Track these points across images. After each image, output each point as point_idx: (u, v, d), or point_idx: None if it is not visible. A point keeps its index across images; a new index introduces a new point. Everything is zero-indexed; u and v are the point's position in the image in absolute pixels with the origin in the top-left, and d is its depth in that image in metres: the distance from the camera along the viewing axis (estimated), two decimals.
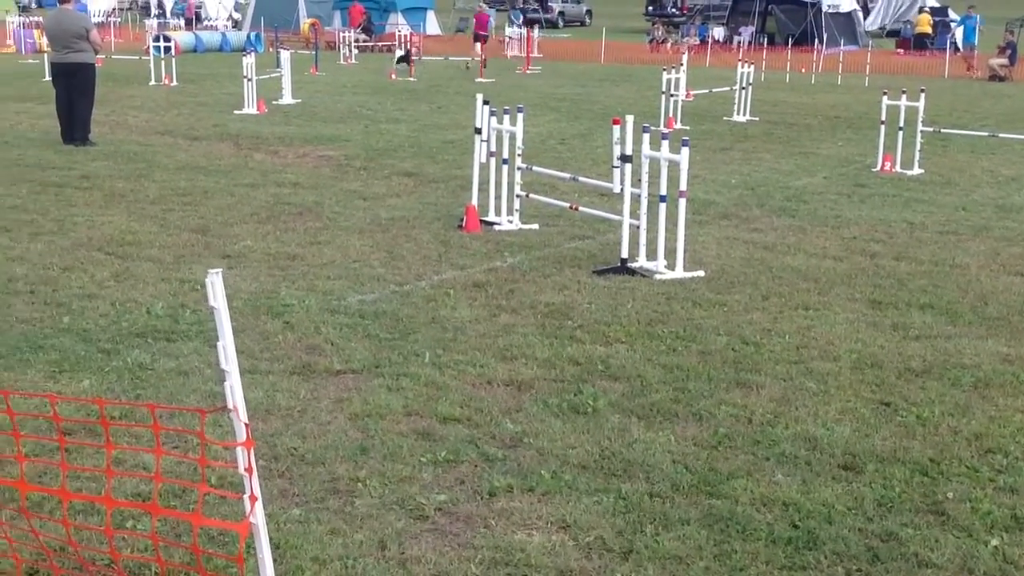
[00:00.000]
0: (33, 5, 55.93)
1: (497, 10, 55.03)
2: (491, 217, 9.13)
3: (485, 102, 9.17)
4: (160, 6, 45.97)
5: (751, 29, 37.92)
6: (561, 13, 55.19)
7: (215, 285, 2.88)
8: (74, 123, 13.00)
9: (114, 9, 47.33)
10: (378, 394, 5.08)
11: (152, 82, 21.65)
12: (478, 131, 9.22)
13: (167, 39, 24.77)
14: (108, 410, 4.65)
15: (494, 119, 9.17)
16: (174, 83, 21.61)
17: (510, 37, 35.33)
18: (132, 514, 3.81)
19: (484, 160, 9.21)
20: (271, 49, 29.71)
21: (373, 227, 8.94)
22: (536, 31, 36.03)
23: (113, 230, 8.42)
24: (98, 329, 5.93)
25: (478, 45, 28.66)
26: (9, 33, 33.84)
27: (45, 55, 21.82)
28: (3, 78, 22.39)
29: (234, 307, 5.77)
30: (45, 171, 11.07)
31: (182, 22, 40.88)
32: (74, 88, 12.95)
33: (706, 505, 4.05)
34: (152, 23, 37.62)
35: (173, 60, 22.29)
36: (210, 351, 5.61)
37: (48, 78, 16.48)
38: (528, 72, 27.82)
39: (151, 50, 23.67)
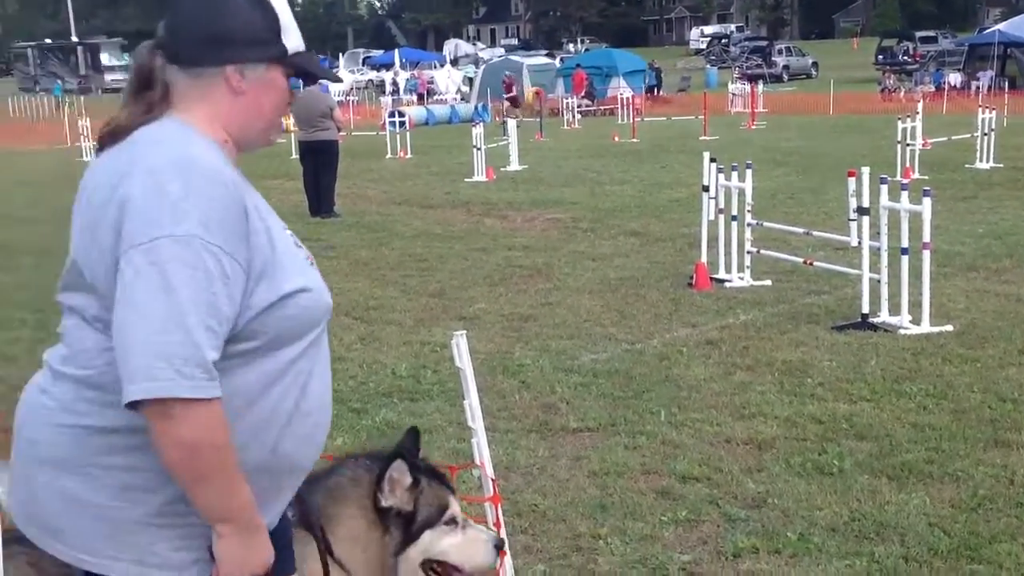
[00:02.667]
0: None
1: (719, 67, 54.90)
2: (721, 274, 9.04)
3: (712, 159, 9.14)
4: (394, 83, 48.38)
5: (990, 73, 36.12)
6: (786, 67, 54.39)
7: (460, 346, 2.99)
8: (320, 197, 13.82)
9: (352, 88, 50.21)
10: (615, 452, 5.10)
11: (388, 155, 22.76)
12: (706, 188, 9.18)
13: (401, 114, 26.06)
14: None
15: (722, 176, 9.12)
16: (408, 155, 22.64)
17: (734, 93, 35.07)
18: None
19: (712, 217, 9.16)
20: (498, 119, 30.68)
21: (602, 287, 9.02)
22: (760, 86, 35.61)
23: (358, 296, 8.86)
24: (348, 390, 6.23)
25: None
26: None
27: (292, 134, 23.39)
28: (256, 157, 24.04)
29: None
30: None
31: (415, 97, 42.85)
32: (320, 164, 13.80)
33: (967, 570, 3.83)
34: (387, 100, 39.67)
35: (407, 134, 23.37)
36: (451, 410, 5.80)
37: (295, 156, 17.63)
38: (753, 127, 27.50)
39: (387, 125, 24.96)
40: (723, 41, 72.52)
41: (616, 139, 25.02)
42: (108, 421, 1.89)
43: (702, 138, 24.08)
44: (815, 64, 56.31)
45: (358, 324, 7.91)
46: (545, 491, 4.65)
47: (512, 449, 5.18)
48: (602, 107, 35.95)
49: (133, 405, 1.78)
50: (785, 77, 53.03)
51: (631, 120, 28.19)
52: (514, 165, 19.12)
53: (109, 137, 1.96)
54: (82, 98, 53.76)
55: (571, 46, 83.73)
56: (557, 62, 50.23)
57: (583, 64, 41.42)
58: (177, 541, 1.90)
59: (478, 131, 17.86)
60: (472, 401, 3.00)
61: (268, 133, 2.10)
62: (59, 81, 62.48)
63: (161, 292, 1.76)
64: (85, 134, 25.89)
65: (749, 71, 49.88)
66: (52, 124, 34.74)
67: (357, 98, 45.07)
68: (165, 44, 1.96)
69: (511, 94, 34.69)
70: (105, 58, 76.66)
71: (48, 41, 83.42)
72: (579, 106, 33.13)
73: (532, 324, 7.77)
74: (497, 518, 2.99)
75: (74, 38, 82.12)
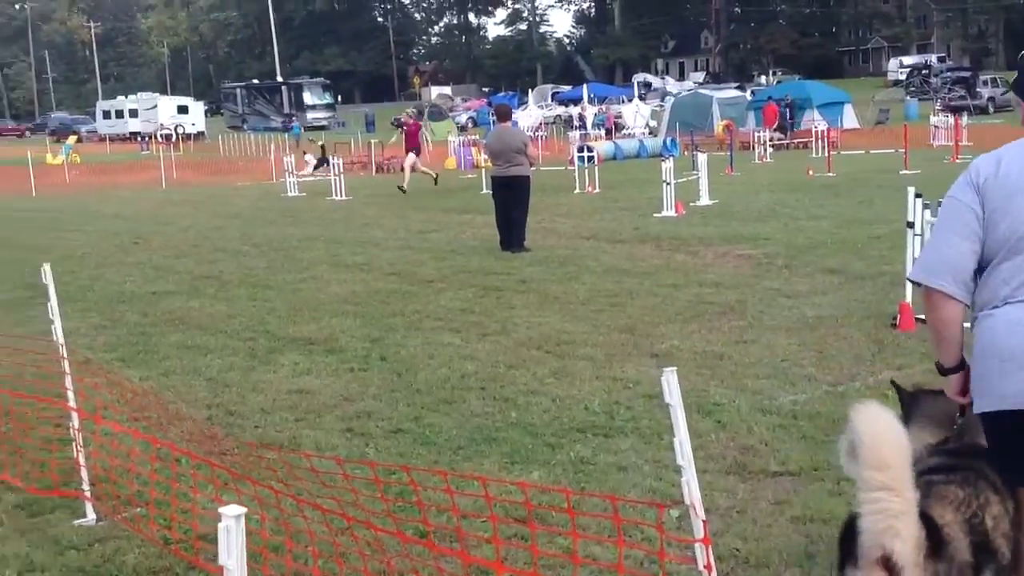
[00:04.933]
0: (470, 125, 61.60)
1: (919, 99, 52.97)
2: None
3: (917, 195, 8.81)
4: (581, 119, 48.82)
5: None
6: (991, 98, 52.02)
7: (670, 383, 2.98)
8: (512, 231, 14.06)
9: (540, 124, 50.98)
10: (819, 498, 4.95)
11: (577, 190, 22.94)
12: (910, 225, 8.85)
13: (590, 149, 26.27)
14: (558, 500, 4.88)
15: (927, 212, 8.77)
16: (597, 190, 22.76)
17: (936, 126, 33.75)
18: None
19: (918, 255, 8.80)
20: (687, 152, 30.49)
21: (800, 325, 8.80)
22: (964, 118, 34.14)
23: (549, 330, 8.94)
24: (542, 424, 6.29)
25: (411, 156, 25.64)
26: (451, 151, 37.43)
27: (483, 169, 23.92)
28: (448, 192, 24.75)
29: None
30: (487, 276, 12.02)
31: (603, 132, 43.10)
32: (512, 199, 14.05)
33: None
34: (575, 135, 40.05)
35: (596, 168, 23.51)
36: (645, 447, 5.77)
37: (486, 191, 18.02)
38: (958, 161, 26.35)
39: (575, 160, 25.22)
40: (923, 72, 69.92)
41: (811, 173, 24.45)
42: None
43: (903, 172, 23.26)
44: None
45: (550, 358, 7.97)
46: (746, 535, 4.56)
47: (710, 490, 5.09)
48: (795, 140, 35.21)
49: None
50: (991, 109, 50.70)
51: (826, 153, 27.49)
52: (704, 200, 18.93)
53: None
54: (286, 136, 56.56)
55: (762, 78, 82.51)
56: (748, 95, 49.60)
57: (775, 96, 40.72)
58: None
59: (667, 165, 17.79)
60: (682, 439, 2.97)
61: None
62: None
63: None
64: (290, 170, 27.26)
65: (952, 103, 47.94)
66: (258, 160, 36.65)
67: (545, 134, 45.69)
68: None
69: (414, 144, 26.22)
70: (307, 97, 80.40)
71: (255, 81, 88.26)
72: (771, 139, 32.56)
73: (726, 362, 7.65)
74: (708, 561, 2.93)
75: (279, 78, 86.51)
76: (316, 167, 29.15)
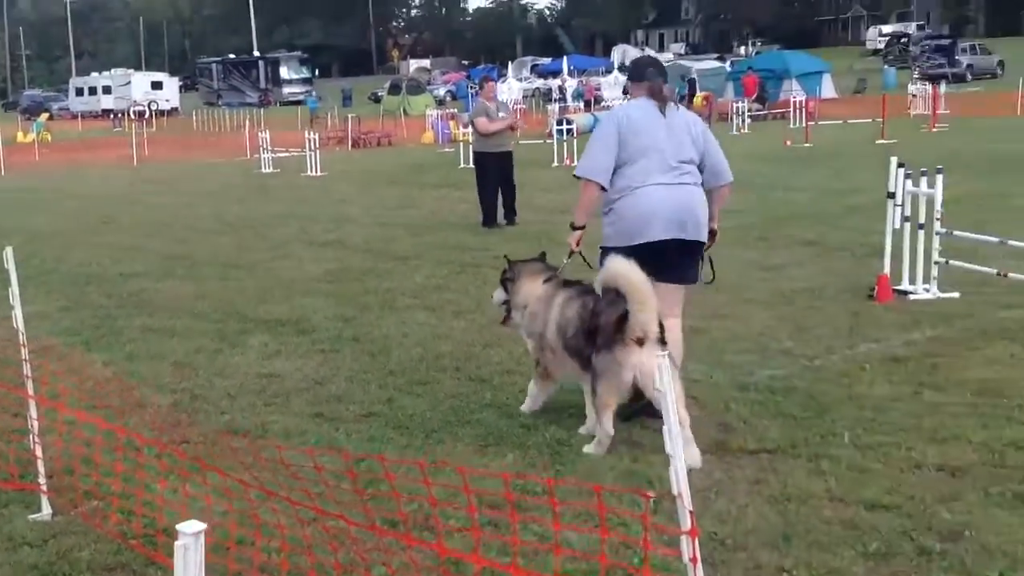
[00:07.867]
0: (448, 99, 61.12)
1: (898, 68, 52.86)
2: (905, 286, 8.59)
3: (900, 164, 8.70)
4: (561, 91, 48.53)
5: None
6: (970, 66, 52.06)
7: (663, 368, 2.83)
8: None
9: (522, 97, 50.66)
10: (797, 476, 4.84)
11: (555, 163, 22.74)
12: (891, 195, 8.74)
13: (569, 122, 26.05)
14: (533, 486, 4.75)
15: (908, 182, 8.67)
16: (575, 163, 22.57)
17: (914, 94, 33.68)
18: None
19: (898, 226, 8.71)
20: None
21: (777, 298, 8.70)
22: (942, 86, 34.07)
23: None
24: (517, 404, 6.15)
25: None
26: (429, 124, 37.12)
27: (461, 143, 23.69)
28: (424, 167, 24.50)
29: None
30: (464, 252, 11.86)
31: (582, 104, 42.82)
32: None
33: None
34: (554, 108, 39.77)
35: (574, 141, 23.32)
36: (620, 428, 5.64)
37: (464, 165, 17.76)
38: (935, 129, 26.29)
39: (554, 133, 25.01)
40: (902, 40, 69.76)
41: (788, 144, 24.32)
42: None
43: (879, 142, 23.16)
44: (1001, 63, 53.63)
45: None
46: (723, 517, 4.44)
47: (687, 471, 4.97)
48: (773, 111, 35.08)
49: None
50: (969, 77, 50.73)
51: (804, 124, 27.36)
52: None
53: None
54: (261, 111, 56.02)
55: (742, 49, 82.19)
56: (727, 66, 49.42)
57: (755, 67, 40.53)
58: None
59: None
60: (671, 425, 2.82)
61: None
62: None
63: None
64: (265, 146, 26.90)
65: (930, 71, 47.93)
66: (234, 136, 36.27)
67: (524, 106, 45.36)
68: None
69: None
70: (284, 72, 79.45)
71: (231, 56, 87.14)
72: (749, 110, 32.40)
73: (703, 337, 7.52)
74: (694, 553, 2.78)
75: (256, 53, 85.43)
76: None
